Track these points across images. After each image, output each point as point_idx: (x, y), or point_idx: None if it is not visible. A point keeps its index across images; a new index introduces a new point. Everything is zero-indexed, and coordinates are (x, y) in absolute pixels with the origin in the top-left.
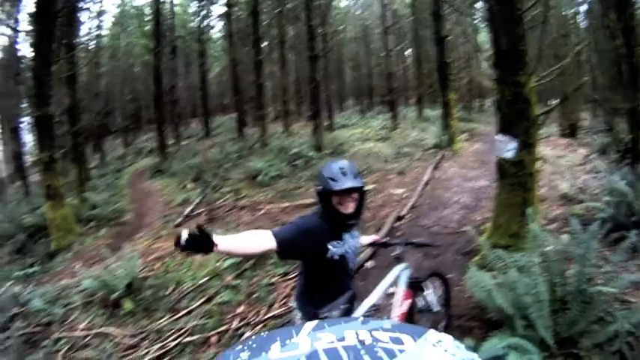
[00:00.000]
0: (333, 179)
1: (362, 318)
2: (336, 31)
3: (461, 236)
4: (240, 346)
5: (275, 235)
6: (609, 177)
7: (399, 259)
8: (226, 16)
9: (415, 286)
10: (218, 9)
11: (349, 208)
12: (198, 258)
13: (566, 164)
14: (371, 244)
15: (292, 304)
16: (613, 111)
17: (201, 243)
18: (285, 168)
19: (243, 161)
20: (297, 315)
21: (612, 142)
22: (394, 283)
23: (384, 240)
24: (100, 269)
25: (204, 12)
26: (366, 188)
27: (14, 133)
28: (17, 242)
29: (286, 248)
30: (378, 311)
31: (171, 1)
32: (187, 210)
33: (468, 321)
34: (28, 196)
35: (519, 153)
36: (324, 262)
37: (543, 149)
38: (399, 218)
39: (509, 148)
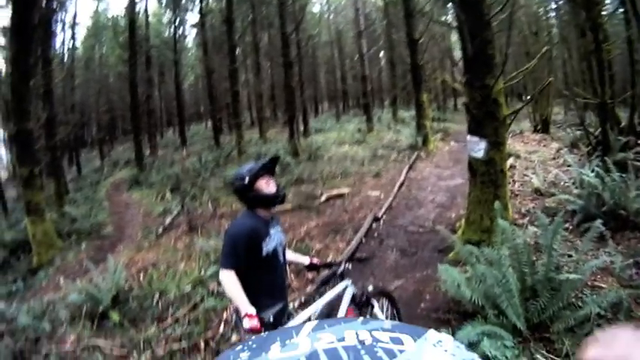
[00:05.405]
0: (255, 164)
1: (362, 318)
2: (310, 36)
3: (436, 234)
4: (240, 346)
5: (234, 270)
6: (580, 170)
7: (342, 276)
8: (200, 25)
9: (362, 304)
10: (192, 18)
11: (273, 186)
12: (182, 267)
13: (538, 159)
14: (308, 267)
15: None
16: (583, 106)
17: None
18: None
19: (220, 170)
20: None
21: (583, 136)
22: (338, 300)
23: (324, 262)
24: (85, 282)
25: (178, 21)
26: (342, 191)
27: None
28: None
29: (240, 270)
30: None
31: (146, 11)
32: (167, 220)
33: (444, 313)
34: (7, 212)
35: (489, 152)
36: (260, 261)
37: (516, 145)
38: (376, 219)
39: (479, 147)
